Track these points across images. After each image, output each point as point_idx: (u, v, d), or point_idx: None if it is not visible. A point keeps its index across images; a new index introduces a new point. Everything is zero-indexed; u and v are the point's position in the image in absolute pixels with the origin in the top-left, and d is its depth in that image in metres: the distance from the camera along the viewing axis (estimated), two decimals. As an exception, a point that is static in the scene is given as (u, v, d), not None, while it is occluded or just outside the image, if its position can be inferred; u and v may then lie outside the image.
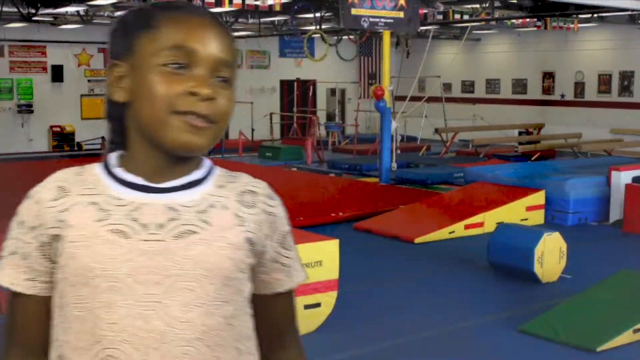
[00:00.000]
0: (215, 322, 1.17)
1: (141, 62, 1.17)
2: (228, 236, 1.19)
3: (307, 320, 5.27)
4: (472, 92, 23.47)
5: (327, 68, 22.43)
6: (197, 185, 1.21)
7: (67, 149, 19.21)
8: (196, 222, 1.17)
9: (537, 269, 6.68)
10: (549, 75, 21.43)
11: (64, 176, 1.21)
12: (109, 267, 1.13)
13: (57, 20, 18.06)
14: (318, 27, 16.61)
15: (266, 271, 1.28)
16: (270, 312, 1.31)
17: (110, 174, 1.20)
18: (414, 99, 16.20)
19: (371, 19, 11.65)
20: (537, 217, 9.47)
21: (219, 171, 1.26)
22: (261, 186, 1.27)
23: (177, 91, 1.14)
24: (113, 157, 1.22)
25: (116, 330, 1.13)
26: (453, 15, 16.98)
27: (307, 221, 9.12)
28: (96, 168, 1.22)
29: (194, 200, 1.19)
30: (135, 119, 1.19)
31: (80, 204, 1.17)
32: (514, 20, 18.02)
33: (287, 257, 1.30)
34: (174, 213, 1.17)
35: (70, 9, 15.93)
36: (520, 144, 17.89)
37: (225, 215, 1.20)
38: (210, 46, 1.17)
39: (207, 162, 1.25)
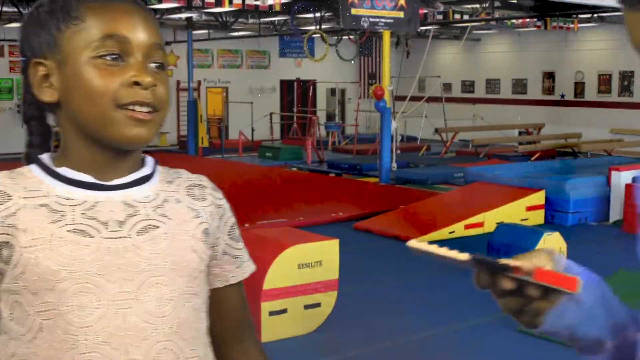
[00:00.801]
0: (188, 314, 1.16)
1: (70, 58, 1.11)
2: (188, 229, 1.18)
3: (307, 320, 5.26)
4: (472, 92, 23.47)
5: (327, 68, 22.43)
6: (146, 181, 1.18)
7: (67, 149, 19.23)
8: (155, 216, 1.15)
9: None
10: (549, 75, 21.43)
11: None
12: (76, 268, 1.07)
13: (57, 20, 18.07)
14: (318, 27, 16.61)
15: (218, 264, 1.27)
16: (223, 306, 1.31)
17: (52, 174, 1.14)
18: (414, 99, 16.20)
19: (371, 19, 11.65)
20: (537, 217, 9.47)
21: (161, 167, 1.24)
22: (205, 180, 1.27)
23: (118, 83, 1.10)
24: (47, 158, 1.16)
25: (92, 333, 1.08)
26: (453, 15, 16.98)
27: (307, 221, 9.13)
28: (33, 170, 1.15)
29: (148, 195, 1.17)
30: (72, 118, 1.13)
31: (27, 207, 1.10)
32: (514, 20, 18.03)
33: (236, 249, 1.29)
34: (132, 209, 1.14)
35: (70, 9, 15.95)
36: (520, 144, 17.91)
37: (181, 209, 1.19)
38: (141, 31, 1.12)
39: (149, 159, 1.22)
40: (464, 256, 0.87)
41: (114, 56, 1.10)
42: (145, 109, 1.11)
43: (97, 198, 1.13)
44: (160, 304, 1.13)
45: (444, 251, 0.88)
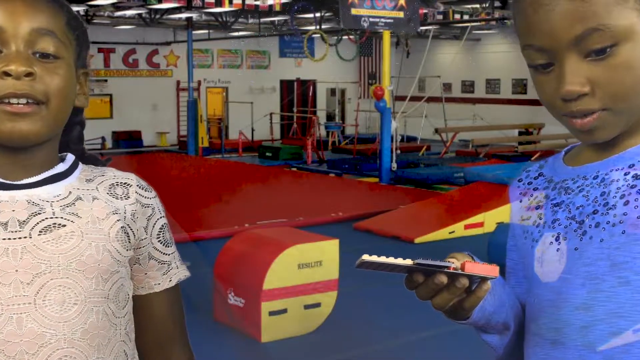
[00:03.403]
0: (96, 320, 1.08)
1: None
2: (102, 227, 1.10)
3: (307, 320, 5.27)
4: (472, 92, 23.48)
5: (327, 68, 22.44)
6: (60, 179, 1.11)
7: (67, 149, 19.20)
8: (63, 215, 1.08)
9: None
10: (549, 75, 21.44)
11: None
12: None
13: (57, 20, 18.05)
14: (318, 27, 16.61)
15: (141, 269, 1.18)
16: (146, 316, 1.20)
17: None
18: (414, 99, 16.21)
19: (371, 19, 11.66)
20: (537, 217, 9.46)
21: (84, 166, 1.17)
22: (132, 177, 1.18)
23: None
24: None
25: None
26: (453, 15, 16.99)
27: (307, 221, 9.13)
28: None
29: (58, 194, 1.09)
30: None
31: None
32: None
33: (164, 254, 1.20)
34: (36, 207, 1.07)
35: (70, 9, 15.92)
36: (520, 144, 17.92)
37: (95, 207, 1.11)
38: (20, 18, 1.04)
39: (70, 156, 1.15)
40: (408, 262, 1.03)
41: None
42: (23, 101, 1.03)
43: None
44: (63, 308, 1.05)
45: (391, 260, 1.03)
